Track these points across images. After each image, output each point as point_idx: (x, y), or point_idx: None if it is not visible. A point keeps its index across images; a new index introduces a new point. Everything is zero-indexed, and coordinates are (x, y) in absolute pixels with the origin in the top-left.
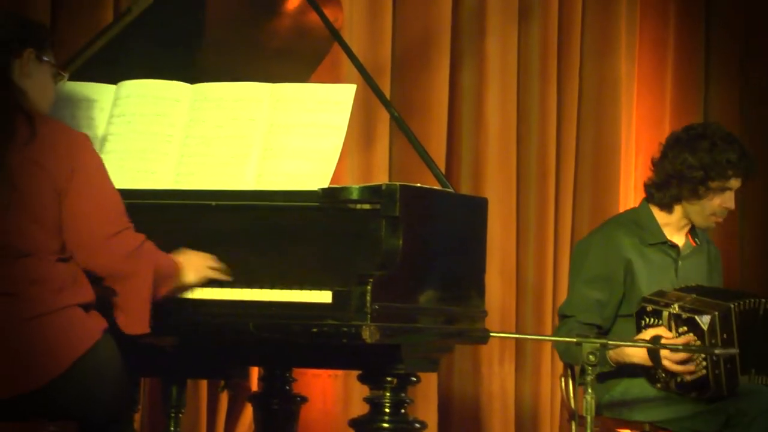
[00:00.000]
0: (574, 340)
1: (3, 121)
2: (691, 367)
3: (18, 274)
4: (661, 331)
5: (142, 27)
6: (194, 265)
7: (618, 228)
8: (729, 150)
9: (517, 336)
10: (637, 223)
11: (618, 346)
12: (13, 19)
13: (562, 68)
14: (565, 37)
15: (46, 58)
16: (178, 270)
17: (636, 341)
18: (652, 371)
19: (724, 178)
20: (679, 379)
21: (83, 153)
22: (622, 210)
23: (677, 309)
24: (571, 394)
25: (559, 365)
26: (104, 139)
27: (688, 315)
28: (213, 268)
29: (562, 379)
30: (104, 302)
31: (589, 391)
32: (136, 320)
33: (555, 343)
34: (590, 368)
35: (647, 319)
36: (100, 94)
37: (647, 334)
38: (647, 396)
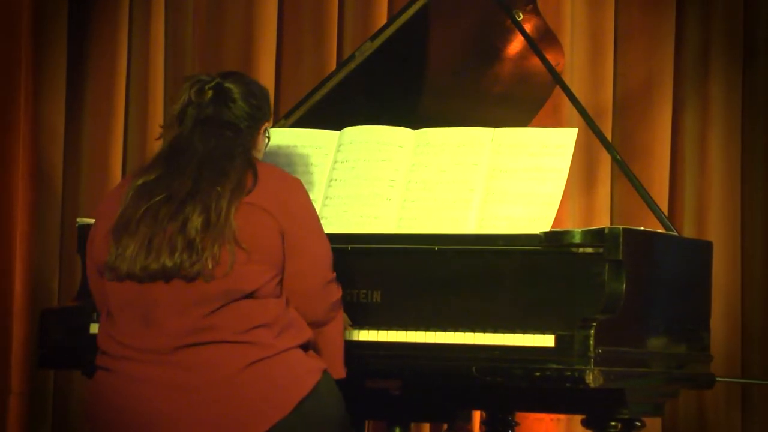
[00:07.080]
0: None
1: (237, 186)
2: None
3: (244, 318)
4: None
5: (365, 74)
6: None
7: None
8: None
9: (744, 381)
10: None
11: None
12: (266, 94)
13: None
14: None
15: (268, 132)
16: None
17: None
18: None
19: None
20: None
21: (301, 198)
22: None
23: None
24: None
25: None
26: (328, 184)
27: None
28: None
29: None
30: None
31: None
32: (331, 367)
33: None
34: None
35: None
36: (324, 141)
37: None
38: None
